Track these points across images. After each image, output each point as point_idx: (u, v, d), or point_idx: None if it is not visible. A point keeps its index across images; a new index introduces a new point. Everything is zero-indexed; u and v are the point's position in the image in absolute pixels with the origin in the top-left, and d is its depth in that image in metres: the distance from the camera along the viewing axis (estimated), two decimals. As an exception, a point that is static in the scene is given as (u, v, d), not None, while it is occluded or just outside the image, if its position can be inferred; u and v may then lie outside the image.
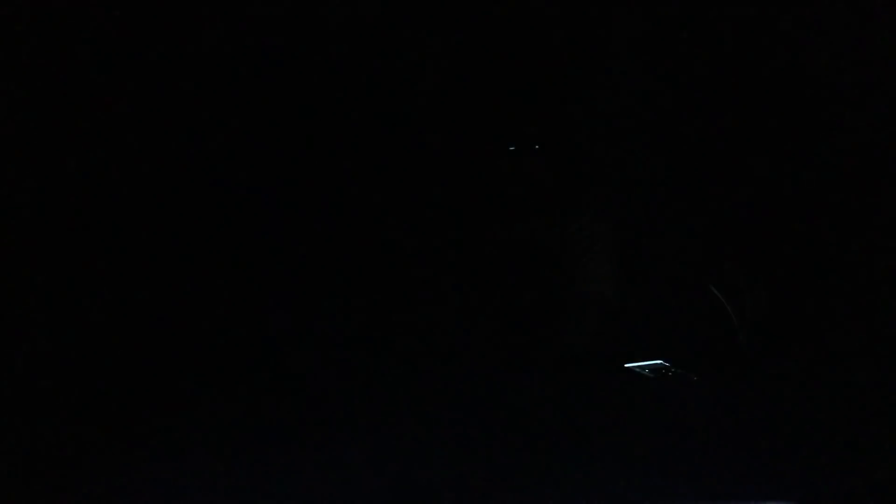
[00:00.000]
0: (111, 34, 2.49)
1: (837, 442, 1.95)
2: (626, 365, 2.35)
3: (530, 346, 2.48)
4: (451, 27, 2.59)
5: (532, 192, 2.53)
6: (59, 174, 2.43)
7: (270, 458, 1.92)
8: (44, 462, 1.95)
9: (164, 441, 1.98)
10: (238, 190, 2.57)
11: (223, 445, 1.95)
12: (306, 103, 2.61)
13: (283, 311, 2.51)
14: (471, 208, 2.56)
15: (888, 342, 2.27)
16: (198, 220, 2.54)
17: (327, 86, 2.60)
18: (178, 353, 2.34)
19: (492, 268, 2.57)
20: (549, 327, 2.52)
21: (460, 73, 2.52)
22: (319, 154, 2.60)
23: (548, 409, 2.12)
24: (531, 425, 2.04)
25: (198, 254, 2.50)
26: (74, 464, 1.92)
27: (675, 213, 2.61)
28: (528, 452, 1.95)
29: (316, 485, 1.86)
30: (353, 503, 1.84)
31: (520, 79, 2.50)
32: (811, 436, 1.97)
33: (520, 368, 2.36)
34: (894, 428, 2.00)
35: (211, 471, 1.87)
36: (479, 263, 2.57)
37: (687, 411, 2.08)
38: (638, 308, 2.57)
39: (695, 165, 2.64)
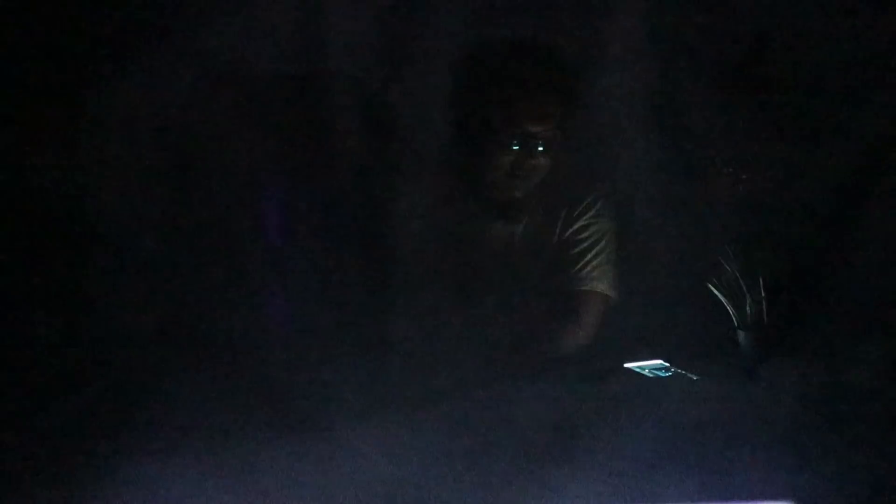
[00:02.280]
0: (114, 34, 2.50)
1: (837, 442, 1.95)
2: (626, 365, 2.35)
3: (529, 346, 2.48)
4: (450, 27, 2.59)
5: (532, 192, 2.52)
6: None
7: (267, 459, 1.92)
8: (42, 462, 1.95)
9: (162, 441, 1.97)
10: (239, 190, 2.57)
11: (221, 446, 1.95)
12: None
13: (280, 310, 2.50)
14: (470, 207, 2.55)
15: (888, 342, 2.27)
16: (197, 220, 2.54)
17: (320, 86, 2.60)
18: (176, 352, 2.34)
19: (491, 267, 2.57)
20: (549, 327, 2.52)
21: (460, 72, 2.51)
22: (318, 151, 2.60)
23: (548, 409, 2.12)
24: (531, 425, 2.04)
25: (198, 254, 2.50)
26: (70, 464, 1.93)
27: (676, 213, 2.61)
28: (527, 452, 1.95)
29: (315, 486, 1.86)
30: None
31: (519, 77, 2.49)
32: (811, 436, 1.98)
33: (519, 368, 2.36)
34: (894, 428, 2.00)
35: (209, 472, 1.87)
36: (477, 263, 2.56)
37: (687, 411, 2.08)
38: (638, 308, 2.57)
39: (695, 165, 2.64)
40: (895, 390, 2.13)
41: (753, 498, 1.84)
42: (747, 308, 2.34)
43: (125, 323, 2.40)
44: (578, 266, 2.53)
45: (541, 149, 2.45)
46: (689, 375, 2.30)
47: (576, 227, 2.56)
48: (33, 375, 2.26)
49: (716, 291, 2.38)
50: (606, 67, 2.56)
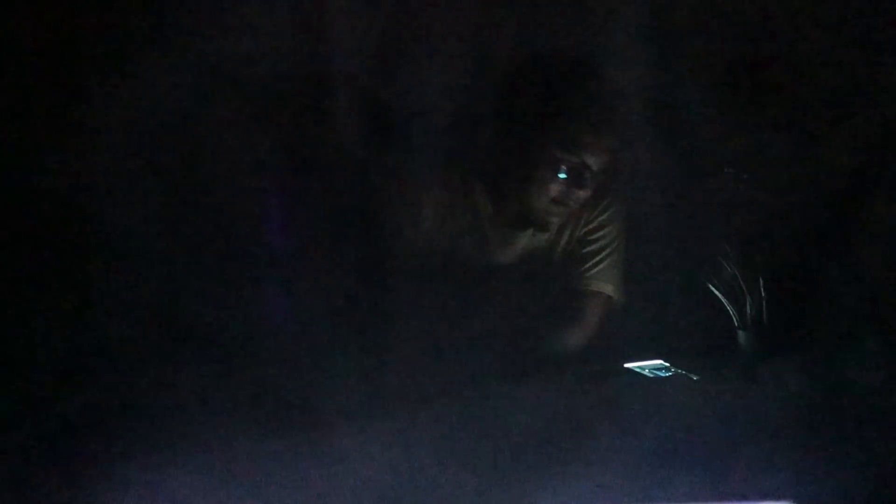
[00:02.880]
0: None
1: (837, 442, 1.95)
2: (626, 365, 2.35)
3: (530, 346, 2.48)
4: (453, 29, 2.59)
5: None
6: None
7: (266, 459, 1.92)
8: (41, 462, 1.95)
9: (161, 441, 1.97)
10: (239, 190, 2.57)
11: (220, 446, 1.95)
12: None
13: (278, 310, 2.50)
14: (471, 208, 2.55)
15: (888, 342, 2.27)
16: (198, 220, 2.54)
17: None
18: (175, 352, 2.34)
19: (491, 267, 2.57)
20: (549, 327, 2.52)
21: (517, 93, 2.49)
22: (314, 153, 2.60)
23: (548, 409, 2.12)
24: (531, 425, 2.04)
25: (199, 254, 2.50)
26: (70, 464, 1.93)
27: (676, 213, 2.61)
28: (527, 452, 1.95)
29: (314, 486, 1.86)
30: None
31: (580, 107, 2.47)
32: (811, 436, 1.98)
33: (519, 368, 2.36)
34: (894, 428, 2.00)
35: (207, 472, 1.87)
36: (478, 263, 2.57)
37: (687, 411, 2.08)
38: (638, 308, 2.57)
39: (695, 165, 2.64)
40: (895, 390, 2.13)
41: (753, 498, 1.84)
42: (747, 308, 2.34)
43: (125, 322, 2.40)
44: (586, 266, 2.53)
45: (589, 179, 2.43)
46: (689, 375, 2.30)
47: (588, 227, 2.55)
48: (33, 376, 2.26)
49: (716, 291, 2.38)
50: (606, 67, 2.56)
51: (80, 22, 2.49)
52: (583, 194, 2.44)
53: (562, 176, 2.40)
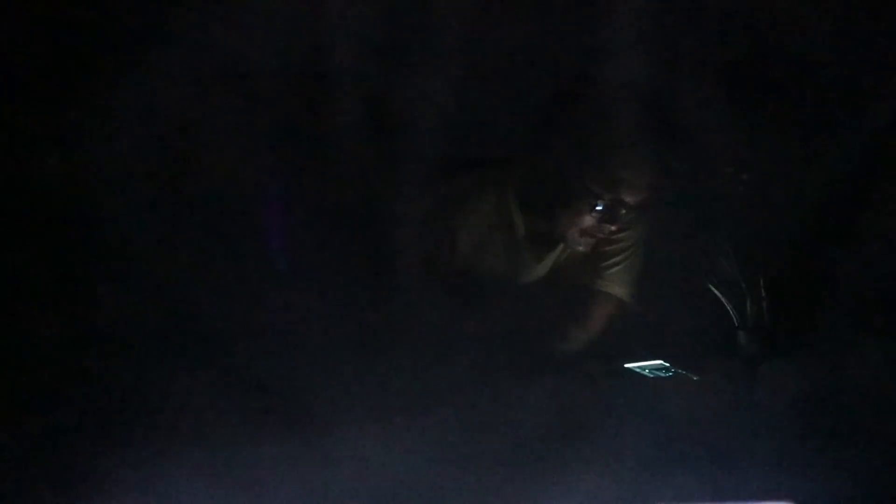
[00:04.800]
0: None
1: (837, 442, 1.95)
2: (627, 365, 2.35)
3: (530, 346, 2.48)
4: (454, 29, 2.59)
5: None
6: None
7: (267, 459, 1.92)
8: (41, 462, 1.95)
9: (162, 442, 1.98)
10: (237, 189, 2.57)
11: (220, 446, 1.95)
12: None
13: (277, 310, 2.50)
14: (472, 208, 2.55)
15: (888, 342, 2.27)
16: (198, 220, 2.54)
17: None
18: (176, 353, 2.34)
19: (513, 266, 2.57)
20: (549, 327, 2.52)
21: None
22: (315, 153, 2.60)
23: (548, 409, 2.12)
24: (531, 425, 2.04)
25: (199, 255, 2.50)
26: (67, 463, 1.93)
27: (676, 213, 2.61)
28: (527, 452, 1.95)
29: (315, 486, 1.86)
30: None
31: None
32: (810, 436, 1.98)
33: (520, 369, 2.36)
34: (894, 428, 2.00)
35: (208, 472, 1.88)
36: (479, 263, 2.57)
37: (687, 412, 2.08)
38: (638, 308, 2.57)
39: (695, 165, 2.64)
40: (895, 390, 2.13)
41: (753, 498, 1.84)
42: (747, 308, 2.34)
43: (125, 323, 2.40)
44: (601, 267, 2.52)
45: (623, 215, 2.43)
46: (689, 375, 2.30)
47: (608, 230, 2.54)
48: (33, 375, 2.26)
49: (716, 291, 2.38)
50: (608, 67, 2.55)
51: (80, 21, 2.49)
52: (614, 228, 2.44)
53: (597, 210, 2.41)
